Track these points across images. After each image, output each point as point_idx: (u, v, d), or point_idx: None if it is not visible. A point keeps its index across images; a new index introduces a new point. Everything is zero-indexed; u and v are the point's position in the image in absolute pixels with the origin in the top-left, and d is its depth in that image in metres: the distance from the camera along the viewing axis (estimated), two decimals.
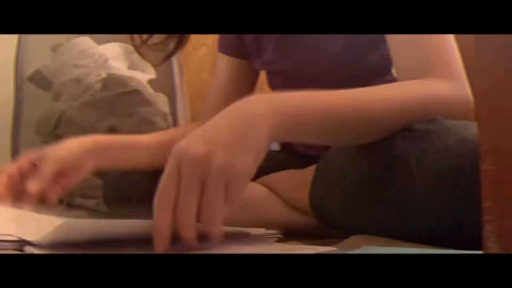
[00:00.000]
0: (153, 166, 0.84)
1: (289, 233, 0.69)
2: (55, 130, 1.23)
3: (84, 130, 1.21)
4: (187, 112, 1.52)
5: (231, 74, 0.96)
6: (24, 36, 1.40)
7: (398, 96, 0.60)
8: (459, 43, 0.65)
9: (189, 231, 0.48)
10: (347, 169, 0.62)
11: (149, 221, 0.49)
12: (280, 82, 0.92)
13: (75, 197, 1.22)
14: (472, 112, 0.62)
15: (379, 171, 0.58)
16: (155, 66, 1.34)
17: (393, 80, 0.75)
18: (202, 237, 0.49)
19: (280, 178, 0.78)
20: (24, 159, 0.77)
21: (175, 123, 1.42)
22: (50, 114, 1.25)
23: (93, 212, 1.16)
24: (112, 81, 1.27)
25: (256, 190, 0.77)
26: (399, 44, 0.66)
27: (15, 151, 1.37)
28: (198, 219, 0.48)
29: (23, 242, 0.55)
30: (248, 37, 0.92)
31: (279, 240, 0.61)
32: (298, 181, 0.73)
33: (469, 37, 0.33)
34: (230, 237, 0.55)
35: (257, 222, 0.72)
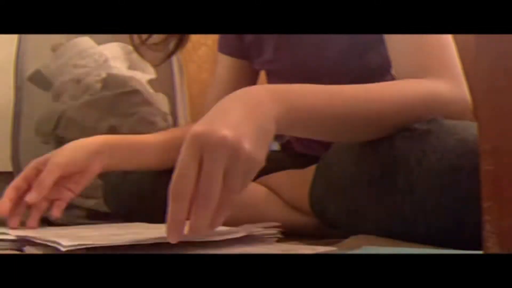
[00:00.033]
0: (158, 166, 0.84)
1: (289, 233, 0.69)
2: (55, 130, 1.23)
3: (84, 130, 1.21)
4: (187, 112, 1.52)
5: (231, 74, 0.97)
6: (24, 36, 1.40)
7: (399, 93, 0.60)
8: (459, 43, 0.65)
9: (205, 220, 0.46)
10: (347, 169, 0.62)
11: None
12: (280, 82, 0.92)
13: None
14: (470, 112, 0.62)
15: (379, 171, 0.58)
16: (155, 66, 1.34)
17: (392, 80, 0.75)
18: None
19: (280, 178, 0.78)
20: (31, 167, 0.75)
21: (175, 123, 1.42)
22: (50, 114, 1.25)
23: (93, 212, 1.16)
24: (112, 81, 1.26)
25: (256, 190, 0.77)
26: (398, 44, 0.66)
27: (15, 151, 1.36)
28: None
29: (23, 242, 0.55)
30: (248, 37, 0.92)
31: (279, 240, 0.61)
32: (298, 181, 0.73)
33: (469, 37, 0.33)
34: (231, 238, 0.55)
35: (257, 222, 0.72)
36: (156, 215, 0.61)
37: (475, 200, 0.34)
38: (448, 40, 0.65)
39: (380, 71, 0.77)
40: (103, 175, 0.89)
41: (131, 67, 1.35)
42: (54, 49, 1.33)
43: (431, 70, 0.63)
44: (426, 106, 0.59)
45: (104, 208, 1.00)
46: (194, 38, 1.61)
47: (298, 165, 0.79)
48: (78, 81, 1.27)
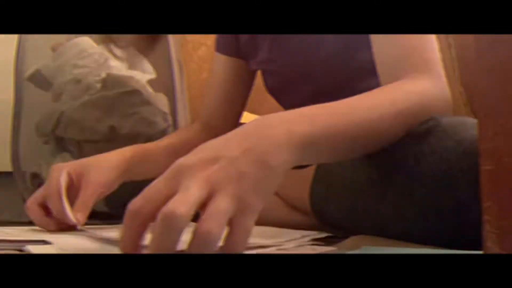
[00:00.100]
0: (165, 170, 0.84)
1: None
2: (55, 130, 1.23)
3: (84, 130, 1.21)
4: (187, 112, 1.52)
5: (228, 74, 0.97)
6: (24, 36, 1.40)
7: (390, 103, 0.58)
8: (459, 43, 0.65)
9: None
10: (346, 170, 0.62)
11: None
12: (275, 81, 0.92)
13: None
14: (451, 108, 0.62)
15: (378, 171, 0.58)
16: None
17: None
18: None
19: None
20: (64, 174, 0.71)
21: (175, 123, 1.42)
22: (50, 114, 1.25)
23: (93, 212, 1.16)
24: (112, 81, 1.26)
25: None
26: (380, 40, 0.66)
27: (15, 151, 1.36)
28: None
29: (23, 242, 0.55)
30: (244, 37, 0.92)
31: None
32: (298, 181, 0.73)
33: (469, 37, 0.33)
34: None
35: (257, 222, 0.72)
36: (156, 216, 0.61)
37: (474, 200, 0.34)
38: (430, 37, 0.64)
39: (372, 70, 0.77)
40: None
41: (131, 67, 1.35)
42: (54, 49, 1.33)
43: (411, 66, 0.62)
44: (416, 112, 0.59)
45: (104, 209, 1.00)
46: (194, 38, 1.61)
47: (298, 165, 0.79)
48: (78, 81, 1.27)
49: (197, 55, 1.72)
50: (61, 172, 0.71)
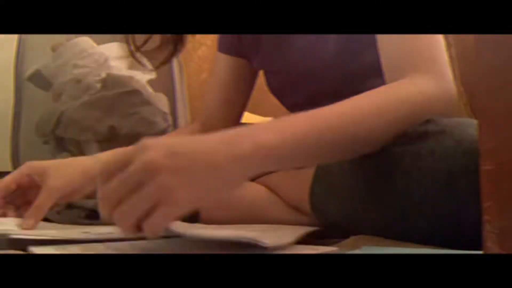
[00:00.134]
0: None
1: None
2: (55, 130, 1.23)
3: (84, 130, 1.21)
4: (187, 112, 1.52)
5: (230, 74, 0.97)
6: (24, 36, 1.40)
7: (385, 103, 0.57)
8: (459, 43, 0.65)
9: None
10: (346, 170, 0.62)
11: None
12: (278, 81, 0.92)
13: None
14: (455, 106, 0.62)
15: (376, 172, 0.58)
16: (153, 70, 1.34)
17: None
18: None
19: (280, 178, 0.78)
20: (23, 172, 0.73)
21: (175, 123, 1.42)
22: (50, 114, 1.25)
23: (93, 212, 1.16)
24: (112, 81, 1.27)
25: (256, 190, 0.77)
26: (385, 38, 0.66)
27: (15, 151, 1.37)
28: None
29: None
30: (246, 37, 0.92)
31: None
32: (298, 181, 0.73)
33: (469, 37, 0.33)
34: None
35: (257, 222, 0.72)
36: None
37: (474, 200, 0.34)
38: (437, 37, 0.64)
39: (377, 69, 0.77)
40: None
41: (131, 67, 1.35)
42: (54, 49, 1.33)
43: (416, 65, 0.62)
44: (415, 112, 0.58)
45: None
46: (194, 38, 1.61)
47: None
48: (78, 81, 1.27)
49: (197, 55, 1.72)
50: (20, 170, 0.73)
